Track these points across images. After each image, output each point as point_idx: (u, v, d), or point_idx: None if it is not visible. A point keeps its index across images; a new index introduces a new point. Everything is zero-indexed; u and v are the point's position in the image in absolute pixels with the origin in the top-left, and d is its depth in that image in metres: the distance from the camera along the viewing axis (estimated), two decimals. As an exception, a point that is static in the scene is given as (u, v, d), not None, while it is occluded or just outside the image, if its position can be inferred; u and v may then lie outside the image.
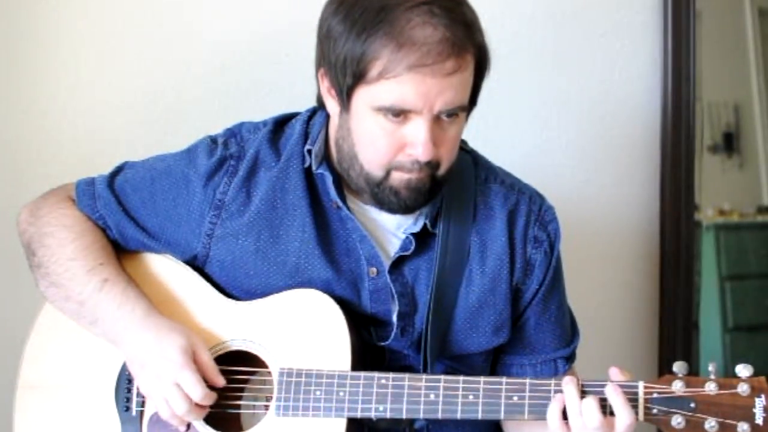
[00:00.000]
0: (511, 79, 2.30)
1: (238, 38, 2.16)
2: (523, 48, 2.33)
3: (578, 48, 2.38)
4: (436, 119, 1.53)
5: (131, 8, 2.11)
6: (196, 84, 2.14)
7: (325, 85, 1.61)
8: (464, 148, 1.76)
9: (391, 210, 1.61)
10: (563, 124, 2.38)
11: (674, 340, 2.43)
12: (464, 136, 1.78)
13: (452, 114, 1.54)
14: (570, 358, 1.79)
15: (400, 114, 1.52)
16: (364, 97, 1.53)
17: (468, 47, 1.52)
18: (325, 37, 1.56)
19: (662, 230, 2.43)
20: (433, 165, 1.56)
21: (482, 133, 2.11)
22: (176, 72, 2.13)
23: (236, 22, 2.16)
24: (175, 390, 1.56)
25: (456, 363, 1.70)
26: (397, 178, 1.56)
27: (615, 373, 1.52)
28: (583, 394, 1.50)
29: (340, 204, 1.65)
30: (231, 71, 2.16)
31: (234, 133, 1.73)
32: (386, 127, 1.53)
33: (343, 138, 1.60)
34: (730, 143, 2.59)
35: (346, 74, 1.52)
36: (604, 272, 2.44)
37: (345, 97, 1.55)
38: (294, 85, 2.11)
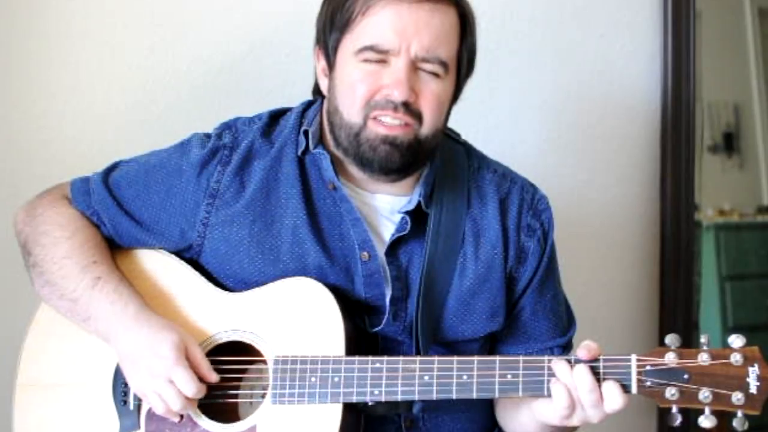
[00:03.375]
0: (511, 79, 2.30)
1: (238, 38, 2.16)
2: (523, 48, 2.33)
3: (578, 48, 2.38)
4: (415, 68, 1.58)
5: (131, 8, 2.11)
6: (196, 84, 2.14)
7: (320, 64, 1.68)
8: (457, 140, 1.78)
9: (371, 170, 1.62)
10: (563, 124, 2.38)
11: (674, 340, 2.42)
12: (464, 137, 1.79)
13: (432, 66, 1.58)
14: (566, 348, 1.78)
15: (380, 58, 1.56)
16: (348, 46, 1.60)
17: None
18: (318, 20, 1.66)
19: (662, 230, 2.43)
20: (413, 112, 1.58)
21: (482, 133, 2.10)
22: (176, 72, 2.13)
23: (236, 22, 2.16)
24: (169, 386, 1.57)
25: (450, 350, 1.70)
26: (374, 129, 1.59)
27: (582, 354, 1.51)
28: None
29: (337, 184, 1.65)
30: (231, 71, 2.16)
31: (228, 126, 1.76)
32: (365, 70, 1.58)
33: (330, 101, 1.64)
34: (730, 143, 2.59)
35: (333, 30, 1.61)
36: (605, 272, 2.44)
37: (333, 54, 1.62)
38: (294, 85, 2.11)
